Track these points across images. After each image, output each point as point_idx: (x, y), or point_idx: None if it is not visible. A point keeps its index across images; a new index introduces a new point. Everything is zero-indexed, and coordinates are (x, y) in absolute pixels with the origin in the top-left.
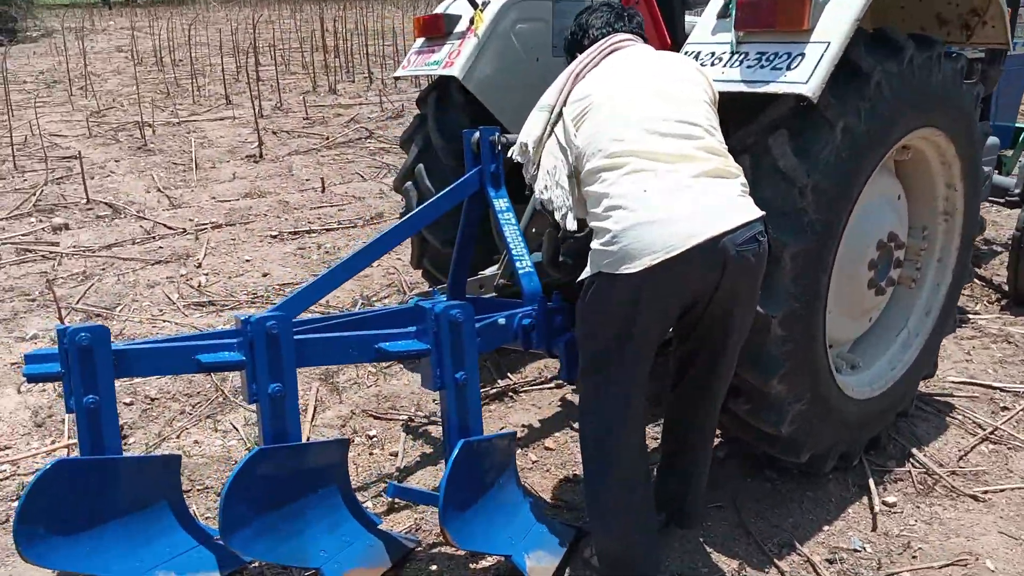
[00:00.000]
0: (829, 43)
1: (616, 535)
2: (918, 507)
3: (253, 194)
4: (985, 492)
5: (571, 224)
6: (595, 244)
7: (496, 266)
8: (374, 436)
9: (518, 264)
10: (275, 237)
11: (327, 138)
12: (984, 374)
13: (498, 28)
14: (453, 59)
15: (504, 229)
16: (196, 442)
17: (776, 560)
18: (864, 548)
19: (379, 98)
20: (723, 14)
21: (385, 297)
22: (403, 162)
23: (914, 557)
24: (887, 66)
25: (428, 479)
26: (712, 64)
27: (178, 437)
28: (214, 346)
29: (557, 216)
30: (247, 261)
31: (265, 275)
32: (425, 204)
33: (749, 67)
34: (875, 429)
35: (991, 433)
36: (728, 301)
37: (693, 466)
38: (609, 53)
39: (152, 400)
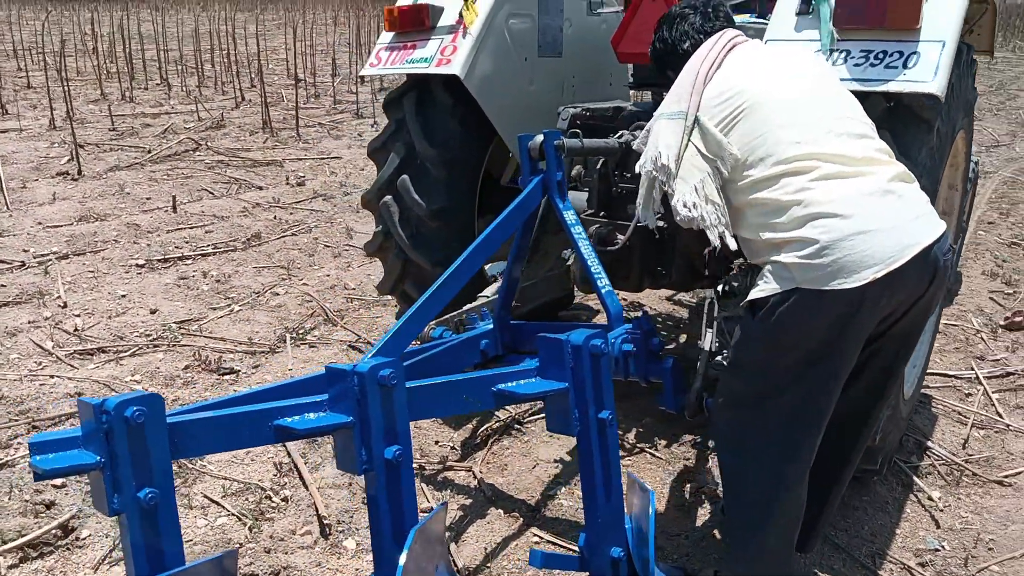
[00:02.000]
0: (944, 42)
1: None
2: (959, 498)
3: (89, 217)
4: (1006, 477)
5: (731, 243)
6: (788, 257)
7: (490, 289)
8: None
9: (599, 282)
10: (142, 266)
11: (149, 151)
12: (935, 364)
13: (493, 23)
14: (449, 56)
15: (578, 244)
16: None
17: (878, 570)
18: (943, 547)
19: (193, 106)
20: (805, 11)
21: (312, 328)
22: (378, 174)
23: (990, 549)
24: (955, 68)
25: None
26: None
27: None
28: (294, 408)
29: (711, 236)
30: (122, 296)
31: (153, 312)
32: (493, 225)
33: (857, 65)
34: (905, 427)
35: (975, 419)
36: (921, 314)
37: (835, 490)
38: (729, 50)
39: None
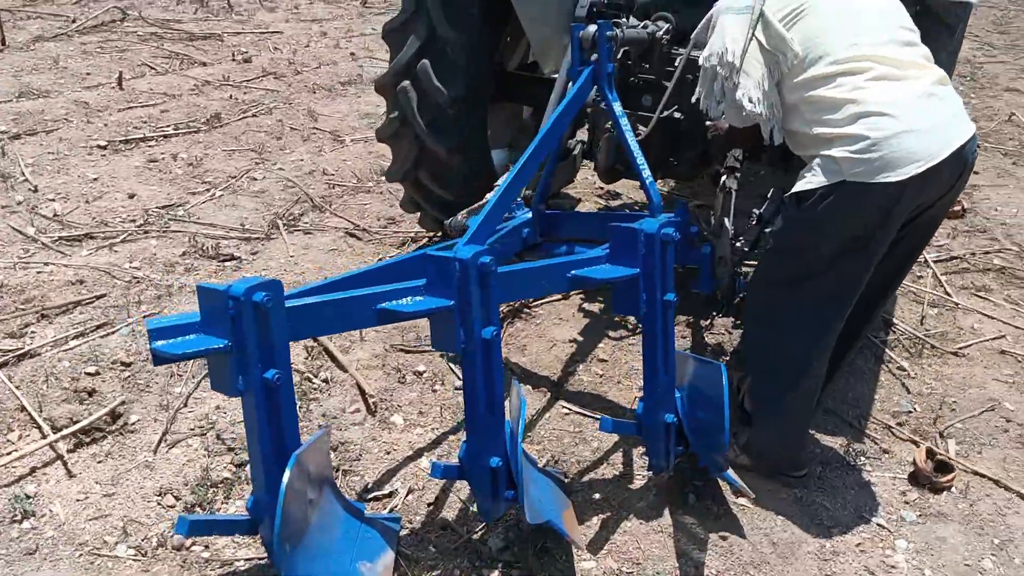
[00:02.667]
0: None
1: (784, 437)
2: (923, 368)
3: (30, 93)
4: (960, 348)
5: (778, 138)
6: (838, 151)
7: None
8: (423, 372)
9: (644, 172)
10: (104, 148)
11: (73, 20)
12: None
13: None
14: None
15: (625, 135)
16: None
17: (864, 430)
18: (914, 408)
19: None
20: None
21: (301, 215)
22: (392, 57)
23: (953, 410)
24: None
25: None
26: None
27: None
28: (396, 292)
29: (764, 130)
30: (94, 180)
31: (131, 196)
32: (553, 118)
33: None
34: None
35: (928, 298)
36: (945, 206)
37: (844, 359)
38: None
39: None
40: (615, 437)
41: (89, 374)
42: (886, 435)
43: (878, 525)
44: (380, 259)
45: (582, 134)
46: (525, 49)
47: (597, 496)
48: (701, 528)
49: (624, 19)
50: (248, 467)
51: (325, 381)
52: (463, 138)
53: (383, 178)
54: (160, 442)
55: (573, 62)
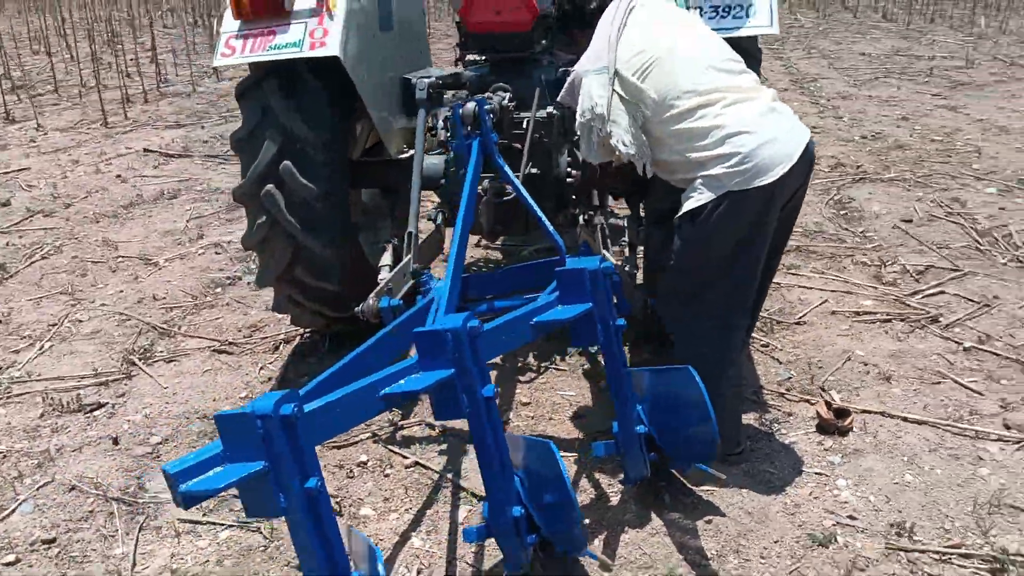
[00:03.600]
0: None
1: (722, 424)
2: (780, 340)
3: None
4: (800, 318)
5: (649, 172)
6: (717, 170)
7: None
8: (366, 461)
9: (544, 221)
10: None
11: None
12: None
13: (351, 4)
14: (323, 39)
15: (523, 193)
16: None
17: (762, 399)
18: (792, 374)
19: None
20: None
21: (151, 345)
22: (246, 166)
23: (820, 367)
24: None
25: None
26: None
27: None
28: (395, 375)
29: (639, 166)
30: None
31: None
32: (466, 191)
33: (711, 18)
34: None
35: None
36: (801, 198)
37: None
38: (629, 12)
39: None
40: (573, 468)
41: (9, 564)
42: (782, 401)
43: (816, 473)
44: (261, 368)
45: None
46: (365, 138)
47: (587, 520)
48: (686, 519)
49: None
50: None
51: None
52: (335, 230)
53: (219, 290)
54: None
55: (458, 137)
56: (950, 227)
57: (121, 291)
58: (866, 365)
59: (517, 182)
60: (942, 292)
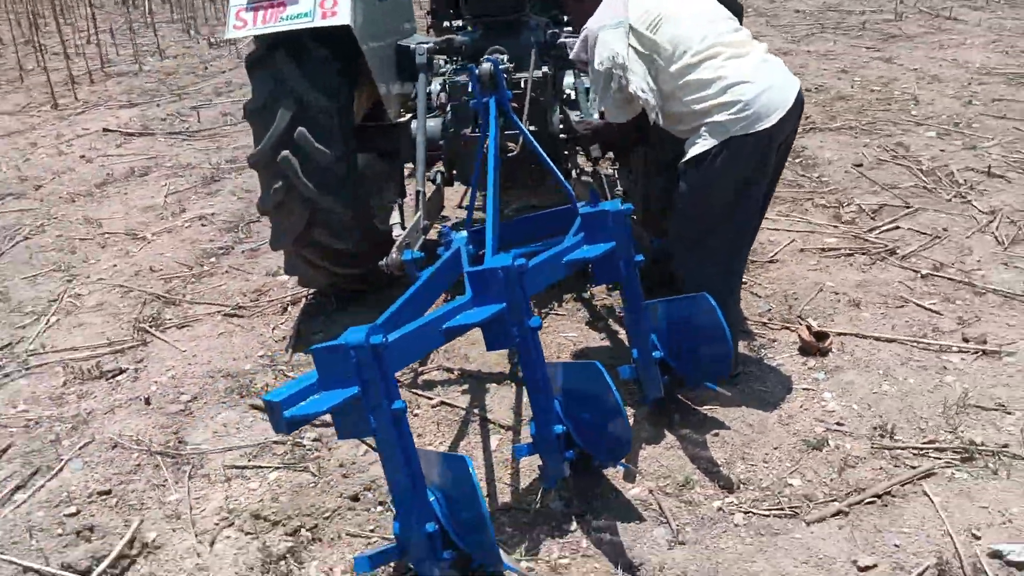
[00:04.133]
0: None
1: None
2: (757, 277)
3: None
4: (772, 257)
5: (661, 120)
6: (721, 116)
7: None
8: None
9: (559, 175)
10: None
11: None
12: None
13: None
14: (334, 9)
15: (536, 147)
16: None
17: (750, 331)
18: (771, 306)
19: None
20: None
21: (160, 314)
22: (259, 134)
23: (796, 298)
24: None
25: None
26: None
27: None
28: (452, 311)
29: (651, 115)
30: None
31: None
32: (492, 153)
33: None
34: None
35: None
36: (791, 141)
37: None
38: None
39: None
40: None
41: (71, 515)
42: (766, 330)
43: (804, 389)
44: (274, 328)
45: (438, 165)
46: (363, 104)
47: None
48: (696, 434)
49: (453, 61)
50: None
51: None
52: (349, 191)
53: (214, 260)
54: (199, 542)
55: (476, 96)
56: (897, 169)
57: (115, 265)
58: (837, 294)
59: (531, 137)
60: (896, 227)
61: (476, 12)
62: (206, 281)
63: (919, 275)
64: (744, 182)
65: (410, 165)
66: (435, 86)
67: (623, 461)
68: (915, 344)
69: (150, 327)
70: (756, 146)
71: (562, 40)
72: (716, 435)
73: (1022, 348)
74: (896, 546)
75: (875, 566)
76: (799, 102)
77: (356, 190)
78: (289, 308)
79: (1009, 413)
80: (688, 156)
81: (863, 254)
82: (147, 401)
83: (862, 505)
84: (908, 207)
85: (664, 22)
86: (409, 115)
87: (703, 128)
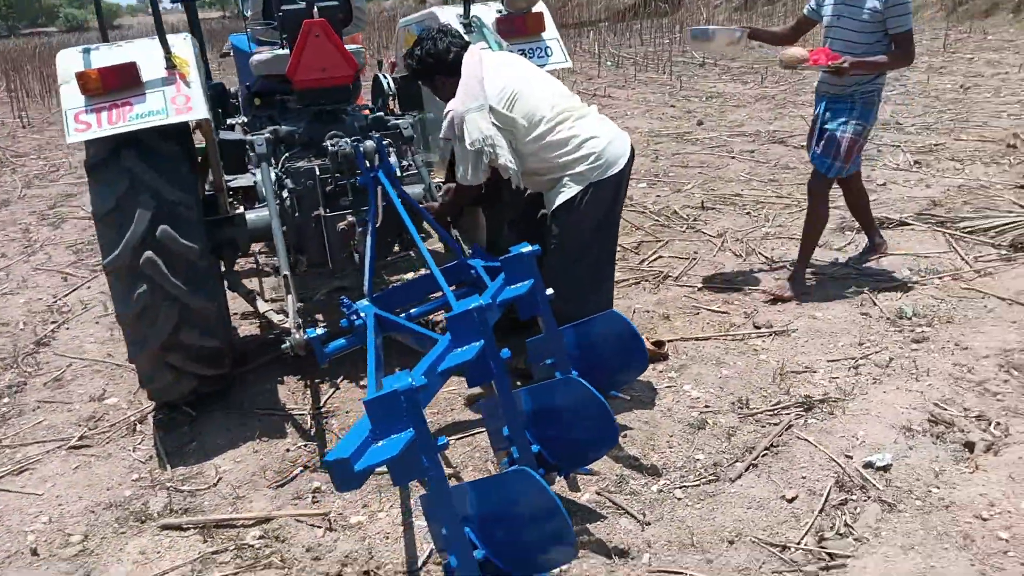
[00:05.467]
0: (557, 38)
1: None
2: None
3: None
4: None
5: (520, 183)
6: (581, 167)
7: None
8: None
9: (443, 231)
10: None
11: None
12: None
13: (197, 70)
14: (188, 104)
15: (420, 208)
16: None
17: None
18: None
19: None
20: (468, 30)
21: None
22: (111, 238)
23: None
24: None
25: None
26: None
27: None
28: (441, 356)
29: (514, 180)
30: None
31: None
32: (369, 235)
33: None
34: None
35: None
36: (628, 182)
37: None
38: (481, 60)
39: None
40: None
41: None
42: None
43: (667, 387)
44: (134, 450)
45: None
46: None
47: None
48: None
49: (281, 150)
50: None
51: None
52: (214, 285)
53: (7, 400)
54: None
55: (364, 173)
56: (634, 214)
57: None
58: (648, 312)
59: (416, 203)
60: (660, 256)
61: (308, 101)
62: (15, 422)
63: (697, 288)
64: (604, 217)
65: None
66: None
67: (587, 467)
68: (725, 337)
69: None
70: (610, 188)
71: (396, 122)
72: (624, 436)
73: (798, 326)
74: (803, 478)
75: (797, 496)
76: (632, 149)
77: (216, 283)
78: (138, 426)
79: (815, 371)
80: (557, 203)
81: (647, 280)
82: (34, 552)
83: (761, 458)
84: (659, 240)
85: (517, 99)
86: (239, 208)
87: (566, 178)
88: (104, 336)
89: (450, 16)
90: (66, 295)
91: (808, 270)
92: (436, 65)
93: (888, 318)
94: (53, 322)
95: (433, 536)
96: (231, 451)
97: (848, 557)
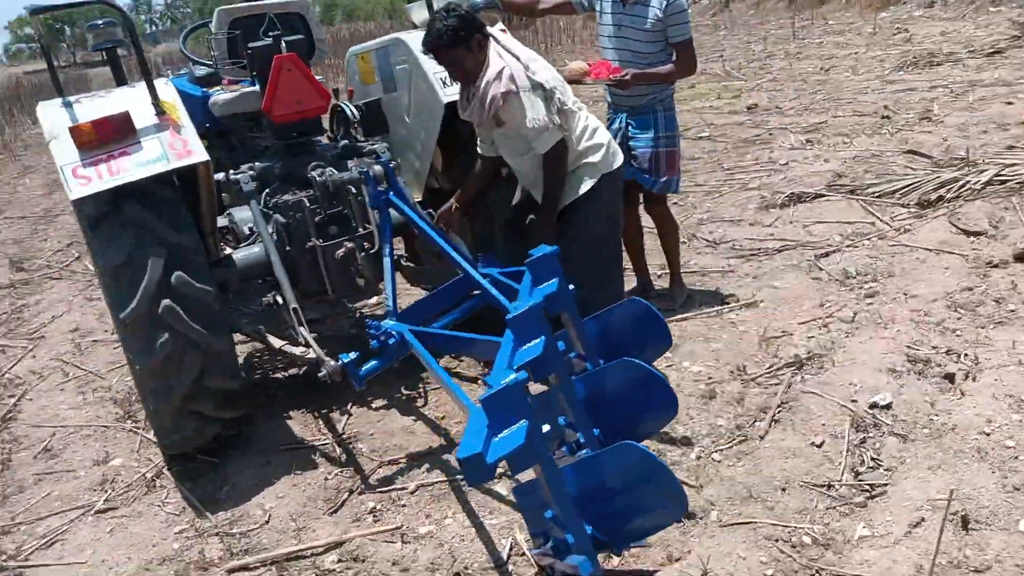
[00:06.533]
0: None
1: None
2: None
3: None
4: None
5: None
6: (594, 158)
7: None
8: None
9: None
10: None
11: None
12: None
13: (183, 112)
14: (188, 148)
15: (431, 231)
16: None
17: None
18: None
19: None
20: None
21: None
22: (125, 290)
23: None
24: None
25: None
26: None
27: None
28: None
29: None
30: None
31: None
32: (387, 255)
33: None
34: None
35: None
36: None
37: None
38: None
39: None
40: None
41: None
42: None
43: (667, 366)
44: (163, 505)
45: None
46: None
47: None
48: None
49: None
50: None
51: None
52: (228, 326)
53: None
54: None
55: (371, 196)
56: None
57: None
58: None
59: (425, 223)
60: None
61: (284, 135)
62: (19, 498)
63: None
64: (616, 208)
65: None
66: (248, 212)
67: None
68: (705, 316)
69: (11, 557)
70: (619, 179)
71: (372, 147)
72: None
73: (763, 296)
74: (823, 424)
75: (824, 441)
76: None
77: (233, 316)
78: (157, 482)
79: (791, 334)
80: (580, 192)
81: None
82: None
83: (779, 414)
84: None
85: (559, 84)
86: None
87: (581, 171)
88: (77, 401)
89: (416, 41)
90: (11, 367)
91: (752, 248)
92: (472, 22)
93: (837, 279)
94: (11, 395)
95: (533, 523)
96: (269, 489)
97: (886, 485)
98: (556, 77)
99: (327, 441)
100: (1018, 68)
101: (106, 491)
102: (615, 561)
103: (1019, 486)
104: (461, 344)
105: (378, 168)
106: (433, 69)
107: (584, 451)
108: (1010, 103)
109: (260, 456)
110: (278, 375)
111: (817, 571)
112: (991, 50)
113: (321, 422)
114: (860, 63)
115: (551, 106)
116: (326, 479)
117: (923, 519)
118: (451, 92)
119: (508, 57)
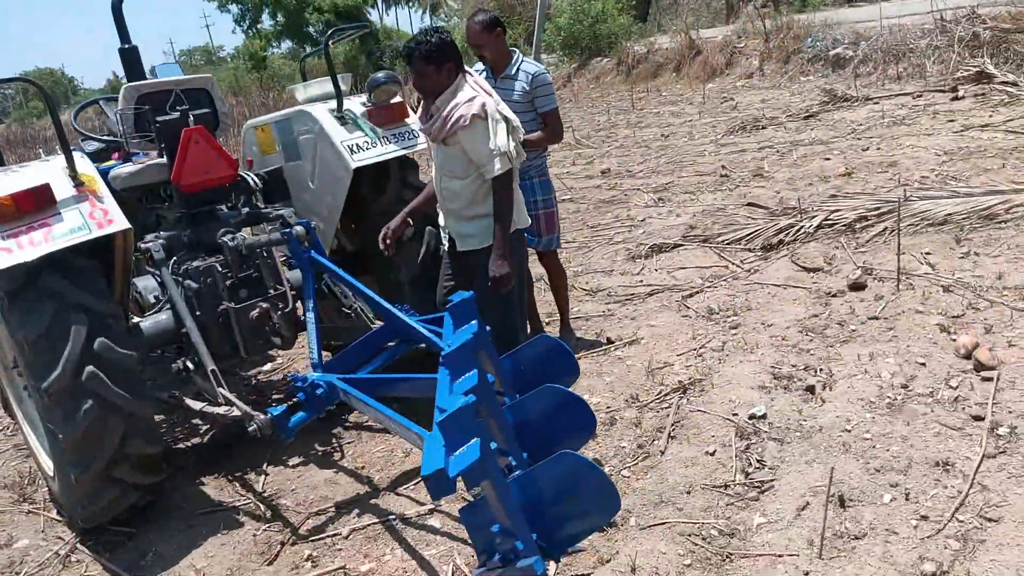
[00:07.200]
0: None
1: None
2: None
3: None
4: None
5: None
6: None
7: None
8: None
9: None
10: None
11: None
12: None
13: (101, 182)
14: (109, 217)
15: (354, 280)
16: None
17: None
18: None
19: None
20: (343, 122)
21: None
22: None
23: None
24: None
25: None
26: (367, 147)
27: None
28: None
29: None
30: None
31: None
32: (311, 310)
33: (391, 142)
34: None
35: None
36: None
37: None
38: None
39: None
40: None
41: None
42: None
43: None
44: None
45: None
46: None
47: None
48: None
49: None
50: None
51: None
52: (148, 389)
53: None
54: None
55: (297, 255)
56: None
57: None
58: None
59: (349, 277)
60: None
61: (193, 204)
62: None
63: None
64: (523, 261)
65: None
66: (152, 281)
67: None
68: (596, 354)
69: None
70: (521, 236)
71: (279, 212)
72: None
73: (643, 335)
74: (712, 436)
75: (715, 450)
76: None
77: (153, 379)
78: (72, 556)
79: (672, 364)
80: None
81: None
82: None
83: (674, 432)
84: None
85: (520, 127)
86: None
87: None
88: None
89: (321, 112)
90: None
91: (626, 294)
92: (453, 51)
93: (704, 316)
94: None
95: (479, 541)
96: (197, 550)
97: (772, 480)
98: (518, 120)
99: (248, 501)
100: (831, 129)
101: (16, 573)
102: (552, 568)
103: (879, 468)
104: (395, 385)
105: (299, 228)
106: (340, 137)
107: (517, 472)
108: (828, 159)
109: (180, 521)
110: (180, 445)
111: (727, 556)
112: (806, 114)
113: (237, 484)
114: (695, 129)
115: (511, 139)
116: (255, 535)
117: (808, 503)
118: (359, 158)
119: (482, 93)
